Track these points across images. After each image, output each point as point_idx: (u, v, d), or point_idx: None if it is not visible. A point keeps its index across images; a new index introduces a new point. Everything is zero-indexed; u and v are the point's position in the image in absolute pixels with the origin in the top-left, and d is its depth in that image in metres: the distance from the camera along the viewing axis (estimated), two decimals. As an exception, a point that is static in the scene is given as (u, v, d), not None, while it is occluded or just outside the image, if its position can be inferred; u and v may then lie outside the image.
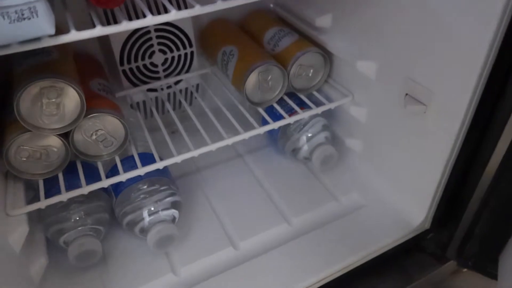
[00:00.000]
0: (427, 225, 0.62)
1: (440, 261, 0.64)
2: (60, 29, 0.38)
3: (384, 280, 0.62)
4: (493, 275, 0.56)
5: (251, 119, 0.60)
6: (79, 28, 0.39)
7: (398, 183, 0.62)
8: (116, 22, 0.58)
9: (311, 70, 0.64)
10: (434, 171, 0.54)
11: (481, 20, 0.41)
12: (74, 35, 0.38)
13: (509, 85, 0.44)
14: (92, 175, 0.54)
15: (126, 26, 0.40)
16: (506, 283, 0.50)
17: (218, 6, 0.43)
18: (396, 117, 0.57)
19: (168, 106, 0.66)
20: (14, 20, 0.33)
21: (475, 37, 0.43)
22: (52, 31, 0.35)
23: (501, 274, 0.52)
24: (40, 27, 0.34)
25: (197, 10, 0.42)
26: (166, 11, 0.42)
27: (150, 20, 0.41)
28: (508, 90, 0.45)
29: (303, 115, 0.61)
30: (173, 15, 0.41)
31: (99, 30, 0.39)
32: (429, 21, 0.47)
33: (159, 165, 0.54)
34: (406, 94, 0.53)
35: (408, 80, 0.53)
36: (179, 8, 0.58)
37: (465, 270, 0.72)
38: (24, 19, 0.33)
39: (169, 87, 0.72)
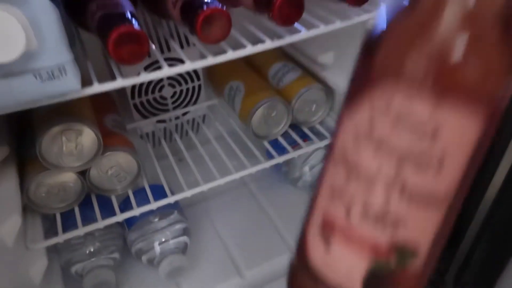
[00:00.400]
0: (425, 254, 0.64)
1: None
2: (84, 81, 0.41)
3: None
4: (489, 304, 0.59)
5: (257, 153, 0.63)
6: (98, 76, 0.42)
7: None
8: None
9: (314, 105, 0.67)
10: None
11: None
12: (97, 88, 0.41)
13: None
14: (106, 207, 0.57)
15: (145, 77, 0.43)
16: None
17: (229, 56, 0.46)
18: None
19: (176, 136, 0.69)
20: (45, 79, 0.36)
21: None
22: (78, 87, 0.38)
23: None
24: (68, 84, 0.37)
25: (210, 60, 0.45)
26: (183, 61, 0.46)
27: (167, 72, 0.44)
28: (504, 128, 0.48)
29: (306, 149, 0.64)
30: (187, 66, 0.44)
31: (120, 82, 0.42)
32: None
33: (171, 199, 0.56)
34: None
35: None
36: (182, 46, 0.61)
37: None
38: (54, 78, 0.37)
39: (177, 118, 0.75)
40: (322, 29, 0.49)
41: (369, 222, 0.20)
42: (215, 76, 0.74)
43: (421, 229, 0.21)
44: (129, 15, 0.40)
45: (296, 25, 0.49)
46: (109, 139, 0.55)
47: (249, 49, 0.47)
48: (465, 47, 0.17)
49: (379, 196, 0.20)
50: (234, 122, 0.72)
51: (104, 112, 0.62)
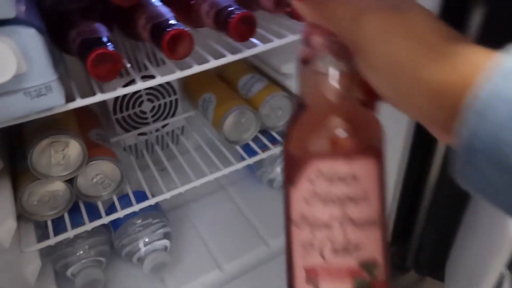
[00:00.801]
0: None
1: (402, 272, 0.73)
2: (68, 97, 0.47)
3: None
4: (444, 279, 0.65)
5: (229, 156, 0.69)
6: (82, 92, 0.48)
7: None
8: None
9: (280, 111, 0.74)
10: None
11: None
12: (79, 102, 0.47)
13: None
14: (93, 213, 0.63)
15: (120, 91, 0.50)
16: (450, 286, 0.59)
17: (194, 69, 0.53)
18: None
19: (157, 147, 0.76)
20: (34, 96, 0.43)
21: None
22: (63, 102, 0.45)
23: (448, 280, 0.61)
24: (53, 100, 0.44)
25: (178, 74, 0.52)
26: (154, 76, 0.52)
27: (140, 85, 0.50)
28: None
29: (274, 150, 0.70)
30: (158, 80, 0.51)
31: (99, 97, 0.48)
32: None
33: (151, 201, 0.62)
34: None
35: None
36: (158, 65, 0.68)
37: (428, 278, 0.81)
38: (42, 95, 0.43)
39: (157, 130, 0.81)
40: (276, 42, 0.57)
41: (340, 254, 0.27)
42: (190, 90, 0.81)
43: (373, 245, 0.27)
44: (104, 39, 0.47)
45: (254, 40, 0.56)
46: (93, 150, 0.61)
47: (212, 63, 0.54)
48: (344, 127, 0.27)
49: (338, 233, 0.27)
50: (209, 131, 0.78)
51: (88, 127, 0.68)
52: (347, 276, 0.27)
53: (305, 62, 0.29)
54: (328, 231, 0.27)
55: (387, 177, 0.28)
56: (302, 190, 0.27)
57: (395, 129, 0.58)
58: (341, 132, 0.27)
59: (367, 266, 0.27)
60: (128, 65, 0.58)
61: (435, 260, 0.65)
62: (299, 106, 0.29)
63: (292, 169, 0.28)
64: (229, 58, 0.55)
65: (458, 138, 0.20)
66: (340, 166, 0.26)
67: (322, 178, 0.26)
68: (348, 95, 0.28)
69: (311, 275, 0.27)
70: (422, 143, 0.58)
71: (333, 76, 0.27)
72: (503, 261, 0.41)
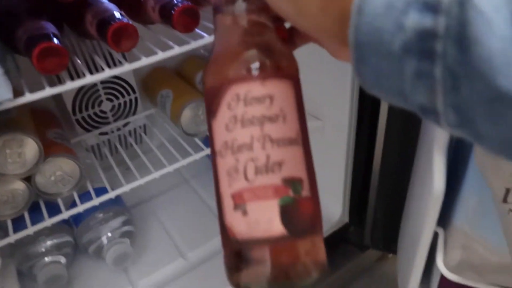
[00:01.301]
0: (346, 219, 0.74)
1: (361, 250, 0.76)
2: (17, 92, 0.48)
3: (315, 270, 0.73)
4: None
5: (188, 148, 0.71)
6: (32, 88, 0.49)
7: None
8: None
9: (236, 102, 0.76)
10: (338, 173, 0.67)
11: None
12: (28, 97, 0.49)
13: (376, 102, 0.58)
14: (54, 211, 0.63)
15: (70, 85, 0.51)
16: (400, 258, 0.62)
17: (143, 62, 0.55)
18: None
19: (119, 146, 0.77)
20: (-21, 91, 0.44)
21: (343, 67, 0.57)
22: (10, 96, 0.46)
23: (398, 250, 0.64)
24: (0, 94, 0.45)
25: (126, 67, 0.54)
26: (103, 69, 0.54)
27: (90, 79, 0.52)
28: (376, 106, 0.59)
29: (231, 140, 0.73)
30: (106, 73, 0.53)
31: (48, 91, 0.50)
32: (314, 59, 0.61)
33: (111, 194, 0.63)
34: (308, 113, 0.67)
35: (307, 100, 0.66)
36: (115, 65, 0.70)
37: (390, 255, 0.85)
38: (-13, 89, 0.44)
39: (118, 129, 0.83)
40: (221, 33, 0.59)
41: (263, 174, 0.27)
42: (149, 88, 0.83)
43: (296, 162, 0.28)
44: (50, 34, 0.48)
45: (201, 32, 0.59)
46: (51, 148, 0.62)
47: (160, 55, 0.56)
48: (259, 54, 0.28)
49: (260, 153, 0.27)
50: (171, 128, 0.80)
51: (46, 127, 0.69)
52: (272, 195, 0.27)
53: (216, 10, 0.31)
54: (250, 152, 0.27)
55: (304, 102, 0.30)
56: (222, 118, 0.28)
57: (339, 116, 0.61)
58: (254, 56, 0.28)
59: (292, 183, 0.27)
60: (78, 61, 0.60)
61: (389, 234, 0.69)
62: (212, 49, 0.31)
63: (212, 102, 0.29)
64: (176, 50, 0.57)
65: (349, 39, 0.21)
66: (256, 88, 0.27)
67: (240, 102, 0.27)
68: (259, 29, 0.29)
69: (238, 200, 0.27)
70: (365, 128, 0.62)
71: (241, 11, 0.29)
72: (434, 219, 0.44)
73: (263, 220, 0.26)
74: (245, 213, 0.27)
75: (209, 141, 0.30)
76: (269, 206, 0.27)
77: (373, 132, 0.61)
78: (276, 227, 0.26)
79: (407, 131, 0.57)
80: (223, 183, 0.28)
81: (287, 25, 0.33)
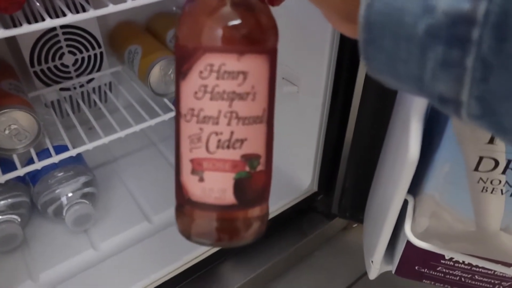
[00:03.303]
0: (315, 188, 0.74)
1: (328, 218, 0.77)
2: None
3: (282, 237, 0.73)
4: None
5: (157, 108, 0.68)
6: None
7: (285, 154, 0.73)
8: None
9: (208, 63, 0.73)
10: (311, 141, 0.66)
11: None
12: (-23, 37, 0.44)
13: (353, 68, 0.57)
14: (10, 168, 0.59)
15: (27, 28, 0.46)
16: (367, 226, 0.63)
17: (110, 9, 0.50)
18: (278, 97, 0.68)
19: (82, 104, 0.72)
20: None
21: (321, 32, 0.55)
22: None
23: (365, 219, 0.65)
24: None
25: (91, 13, 0.49)
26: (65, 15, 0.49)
27: (49, 23, 0.47)
28: (353, 73, 0.57)
29: (202, 102, 0.70)
30: (69, 18, 0.48)
31: (1, 33, 0.45)
32: (292, 23, 0.58)
33: (72, 152, 0.60)
34: (283, 78, 0.65)
35: (283, 66, 0.64)
36: (77, 12, 0.65)
37: (355, 225, 0.86)
38: None
39: (81, 86, 0.78)
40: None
41: (224, 149, 0.28)
42: (116, 43, 0.78)
43: (257, 140, 0.29)
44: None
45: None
46: (5, 100, 0.57)
47: (129, 3, 0.51)
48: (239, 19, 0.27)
49: (225, 129, 0.27)
50: (139, 87, 0.76)
51: (1, 77, 0.63)
52: (229, 169, 0.28)
53: None
54: (214, 126, 0.27)
55: (276, 75, 0.29)
56: (192, 83, 0.27)
57: (315, 83, 0.60)
58: (234, 26, 0.26)
59: (250, 159, 0.28)
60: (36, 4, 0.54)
61: (356, 204, 0.69)
62: None
63: (184, 61, 0.27)
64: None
65: (359, 17, 0.19)
66: (231, 62, 0.26)
67: (212, 73, 0.26)
68: None
69: (197, 167, 0.28)
70: (341, 96, 0.61)
71: None
72: (407, 185, 0.44)
73: (217, 189, 0.28)
74: (201, 179, 0.28)
75: (175, 97, 0.29)
76: (224, 178, 0.28)
77: (348, 101, 0.60)
78: (228, 198, 0.28)
79: (381, 101, 0.56)
80: (184, 145, 0.29)
81: None
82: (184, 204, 0.30)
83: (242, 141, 0.28)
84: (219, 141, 0.27)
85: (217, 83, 0.26)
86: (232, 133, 0.27)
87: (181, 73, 0.28)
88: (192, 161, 0.28)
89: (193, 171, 0.28)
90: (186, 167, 0.29)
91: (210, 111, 0.27)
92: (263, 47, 0.28)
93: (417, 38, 0.18)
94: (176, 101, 0.29)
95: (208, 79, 0.26)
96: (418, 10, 0.17)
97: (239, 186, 0.28)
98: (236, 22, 0.26)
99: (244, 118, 0.27)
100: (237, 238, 0.30)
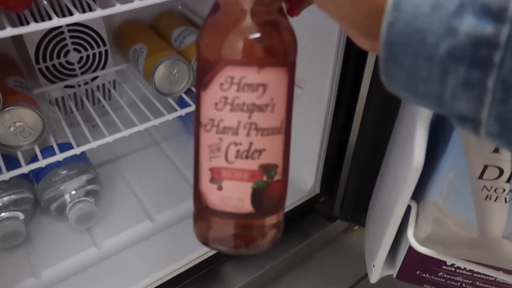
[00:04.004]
0: (317, 190, 0.74)
1: (329, 220, 0.77)
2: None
3: (283, 238, 0.73)
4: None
5: (161, 108, 0.68)
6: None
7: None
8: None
9: (213, 64, 0.73)
10: (314, 143, 0.66)
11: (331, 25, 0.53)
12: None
13: (358, 73, 0.57)
14: (14, 165, 0.59)
15: (35, 27, 0.46)
16: (369, 230, 0.63)
17: (117, 9, 0.50)
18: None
19: (86, 102, 0.72)
20: None
21: (328, 35, 0.55)
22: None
23: (367, 222, 0.65)
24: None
25: (98, 12, 0.49)
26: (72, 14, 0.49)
27: (56, 22, 0.47)
28: (358, 79, 0.57)
29: (207, 102, 0.70)
30: (76, 17, 0.48)
31: (10, 31, 0.45)
32: (299, 25, 0.58)
33: (76, 150, 0.60)
34: (288, 80, 0.65)
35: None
36: (84, 11, 0.65)
37: (356, 228, 0.86)
38: None
39: (86, 83, 0.78)
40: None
41: (243, 159, 0.28)
42: (121, 42, 0.78)
43: (275, 150, 0.29)
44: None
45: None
46: (10, 97, 0.57)
47: (136, 3, 0.51)
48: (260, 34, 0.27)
49: (244, 140, 0.28)
50: (143, 86, 0.76)
51: (6, 74, 0.63)
52: (248, 178, 0.28)
53: None
54: (234, 137, 0.28)
55: (294, 90, 0.30)
56: (212, 94, 0.28)
57: (320, 86, 0.60)
58: (255, 40, 0.27)
59: (267, 169, 0.29)
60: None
61: (358, 207, 0.69)
62: (215, 7, 0.29)
63: (205, 73, 0.28)
64: (154, -1, 0.53)
65: (380, 35, 0.20)
66: (251, 74, 0.27)
67: (233, 85, 0.27)
68: (264, 1, 0.28)
69: (216, 176, 0.29)
70: (345, 99, 0.61)
71: None
72: (410, 191, 0.44)
73: (235, 197, 0.29)
74: (220, 188, 0.29)
75: (195, 107, 0.30)
76: (243, 187, 0.29)
77: (352, 105, 0.60)
78: (246, 206, 0.29)
79: (386, 106, 0.56)
80: (203, 154, 0.30)
81: None
82: (202, 211, 0.31)
83: (260, 151, 0.28)
84: (238, 151, 0.28)
85: (237, 95, 0.27)
86: (251, 143, 0.28)
87: (202, 84, 0.28)
88: (211, 170, 0.29)
89: (212, 180, 0.29)
90: (205, 175, 0.29)
91: (230, 122, 0.28)
92: (282, 60, 0.28)
93: (438, 58, 0.18)
94: (196, 111, 0.30)
95: (229, 91, 0.27)
96: (440, 31, 0.17)
97: (257, 195, 0.29)
98: (257, 35, 0.27)
99: (262, 129, 0.28)
100: (253, 245, 0.31)
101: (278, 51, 0.28)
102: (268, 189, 0.29)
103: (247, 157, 0.28)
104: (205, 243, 0.31)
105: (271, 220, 0.31)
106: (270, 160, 0.29)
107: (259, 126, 0.28)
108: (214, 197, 0.29)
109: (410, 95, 0.21)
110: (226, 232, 0.30)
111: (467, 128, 0.19)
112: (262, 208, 0.29)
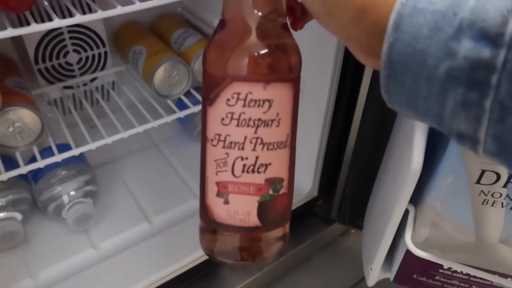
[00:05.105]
0: (315, 193, 0.74)
1: (327, 223, 0.77)
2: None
3: (281, 241, 0.73)
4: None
5: (160, 110, 0.68)
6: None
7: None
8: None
9: (212, 66, 0.73)
10: (312, 146, 0.67)
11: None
12: (-14, 36, 0.44)
13: (357, 77, 0.57)
14: (12, 166, 0.59)
15: (36, 28, 0.46)
16: (366, 233, 0.63)
17: (118, 11, 0.51)
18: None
19: (85, 103, 0.72)
20: None
21: (328, 38, 0.55)
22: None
23: (364, 226, 0.65)
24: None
25: (99, 14, 0.50)
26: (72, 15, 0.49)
27: (57, 23, 0.47)
28: (356, 83, 0.58)
29: (206, 104, 0.70)
30: (77, 19, 0.48)
31: (10, 32, 0.45)
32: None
33: (75, 151, 0.60)
34: (287, 83, 0.65)
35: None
36: (84, 13, 0.65)
37: (353, 231, 0.86)
38: None
39: (85, 84, 0.78)
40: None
41: (249, 173, 0.28)
42: (120, 43, 0.78)
43: (280, 164, 0.30)
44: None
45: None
46: (9, 97, 0.57)
47: (137, 5, 0.52)
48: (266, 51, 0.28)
49: (250, 154, 0.28)
50: (142, 88, 0.76)
51: (5, 74, 0.63)
52: (254, 192, 0.29)
53: None
54: (240, 151, 0.28)
55: (299, 104, 0.30)
56: (219, 110, 0.28)
57: (319, 89, 0.60)
58: (261, 57, 0.27)
59: (273, 183, 0.29)
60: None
61: (355, 210, 0.70)
62: (221, 23, 0.29)
63: (211, 88, 0.28)
64: (155, 1, 0.53)
65: (381, 55, 0.20)
66: (257, 90, 0.27)
67: (239, 101, 0.27)
68: (269, 17, 0.28)
69: (222, 190, 0.29)
70: (344, 103, 0.61)
71: None
72: (408, 196, 0.45)
73: (241, 211, 0.29)
74: (226, 202, 0.29)
75: (201, 122, 0.30)
76: (249, 201, 0.29)
77: (351, 108, 0.60)
78: (252, 220, 0.29)
79: (385, 110, 0.57)
80: (210, 168, 0.30)
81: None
82: (209, 225, 0.31)
83: (266, 165, 0.29)
84: (244, 165, 0.28)
85: (244, 111, 0.27)
86: (257, 158, 0.28)
87: (208, 100, 0.29)
88: (217, 184, 0.29)
89: (219, 194, 0.29)
90: (212, 189, 0.30)
91: (236, 137, 0.28)
92: (288, 75, 0.28)
93: (438, 78, 0.18)
94: (203, 126, 0.30)
95: (235, 106, 0.27)
96: (440, 53, 0.18)
97: (263, 209, 0.29)
98: (263, 52, 0.27)
99: (268, 143, 0.28)
100: (259, 258, 0.31)
101: (284, 67, 0.28)
102: (274, 203, 0.30)
103: (253, 171, 0.28)
104: (212, 256, 0.32)
105: (277, 233, 0.31)
106: (276, 174, 0.29)
107: (265, 141, 0.28)
108: (221, 211, 0.30)
109: (411, 113, 0.22)
110: (232, 246, 0.30)
111: (465, 145, 0.20)
112: (268, 221, 0.30)
